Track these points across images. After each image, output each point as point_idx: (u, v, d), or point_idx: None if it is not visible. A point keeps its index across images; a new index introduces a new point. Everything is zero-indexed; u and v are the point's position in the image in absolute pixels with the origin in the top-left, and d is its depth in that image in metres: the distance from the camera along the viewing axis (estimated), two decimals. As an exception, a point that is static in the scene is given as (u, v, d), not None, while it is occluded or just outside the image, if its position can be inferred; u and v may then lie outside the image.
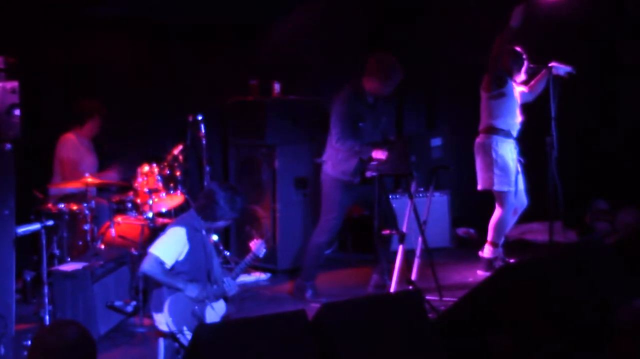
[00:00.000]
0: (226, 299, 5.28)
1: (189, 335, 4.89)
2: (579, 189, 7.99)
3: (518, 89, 7.19)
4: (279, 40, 8.29)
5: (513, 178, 7.07)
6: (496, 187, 7.08)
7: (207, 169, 7.50)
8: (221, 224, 5.34)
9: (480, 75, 7.13)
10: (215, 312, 5.15)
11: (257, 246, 5.34)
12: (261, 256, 5.37)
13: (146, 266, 5.06)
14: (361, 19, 8.72)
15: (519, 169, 7.18)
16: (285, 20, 8.33)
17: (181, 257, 5.11)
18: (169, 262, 5.06)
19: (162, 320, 4.99)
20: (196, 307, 5.05)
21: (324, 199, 6.82)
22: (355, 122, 6.54)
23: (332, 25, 8.54)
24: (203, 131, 7.42)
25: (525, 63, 7.07)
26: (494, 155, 7.04)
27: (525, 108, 7.28)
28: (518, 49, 7.08)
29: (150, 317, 5.54)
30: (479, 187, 7.19)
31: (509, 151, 7.07)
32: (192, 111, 7.44)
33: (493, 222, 7.22)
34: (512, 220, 7.31)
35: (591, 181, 8.36)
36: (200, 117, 7.40)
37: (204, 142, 7.44)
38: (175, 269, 5.10)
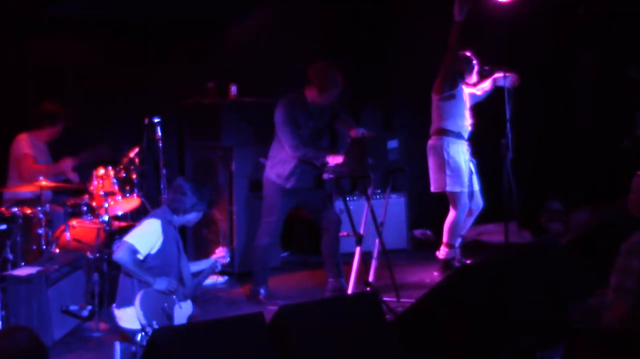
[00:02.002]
0: (193, 300, 5.34)
1: None
2: (533, 190, 8.09)
3: (467, 91, 7.27)
4: (236, 41, 8.26)
5: (466, 179, 7.15)
6: (449, 189, 7.15)
7: (164, 171, 7.44)
8: (192, 217, 5.39)
9: (434, 78, 7.19)
10: (182, 311, 5.22)
11: (221, 253, 5.38)
12: (225, 262, 5.50)
13: (119, 253, 5.09)
14: (318, 22, 8.71)
15: (473, 170, 7.25)
16: (243, 21, 8.30)
17: (154, 250, 5.17)
18: (142, 252, 5.11)
19: (131, 314, 5.03)
20: (166, 304, 5.09)
21: (264, 201, 6.86)
22: (296, 129, 6.57)
23: (290, 27, 8.52)
24: (159, 133, 7.36)
25: (476, 67, 7.14)
26: (445, 156, 7.11)
27: (480, 110, 7.35)
28: (468, 53, 7.15)
29: (107, 320, 5.52)
30: (432, 189, 7.25)
31: (460, 152, 7.14)
32: (148, 113, 7.37)
33: (448, 223, 7.27)
34: (467, 221, 7.37)
35: (545, 182, 8.46)
36: (156, 120, 7.34)
37: (160, 144, 7.38)
38: (147, 263, 5.14)
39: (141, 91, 7.88)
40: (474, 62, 7.17)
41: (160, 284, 5.10)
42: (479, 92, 7.34)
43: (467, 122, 7.22)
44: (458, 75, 7.13)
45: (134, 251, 5.08)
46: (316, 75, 6.55)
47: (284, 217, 6.87)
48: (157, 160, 7.47)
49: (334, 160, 6.43)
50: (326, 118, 6.75)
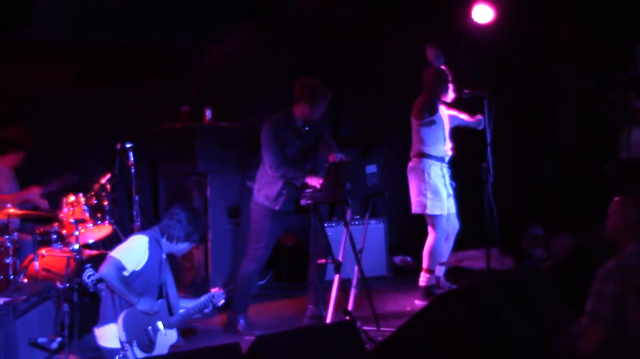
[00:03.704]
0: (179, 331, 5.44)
1: (137, 351, 5.06)
2: (514, 215, 8.13)
3: (447, 113, 7.33)
4: (210, 65, 8.28)
5: (445, 202, 7.21)
6: (428, 211, 7.21)
7: (136, 198, 7.41)
8: (184, 247, 5.48)
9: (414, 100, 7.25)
10: (166, 339, 5.30)
11: (216, 293, 5.50)
12: (218, 304, 5.56)
13: (105, 269, 5.16)
14: (293, 45, 8.76)
15: (451, 193, 7.31)
16: (217, 45, 8.33)
17: (139, 267, 5.25)
18: (129, 267, 5.19)
19: (111, 332, 5.07)
20: (150, 327, 5.11)
21: (252, 226, 6.82)
22: (281, 148, 6.56)
23: (265, 51, 8.55)
24: (132, 158, 7.34)
25: (451, 84, 7.21)
26: (426, 178, 7.18)
27: (460, 133, 7.41)
28: (442, 68, 7.22)
29: (77, 353, 5.50)
30: (413, 210, 7.31)
31: (440, 175, 7.22)
32: (121, 138, 7.35)
33: (427, 248, 7.32)
34: (446, 245, 7.40)
35: (527, 207, 8.51)
36: (128, 145, 7.32)
37: (132, 170, 7.35)
38: (128, 280, 5.20)
39: (113, 116, 7.87)
40: (449, 78, 7.23)
41: (144, 304, 5.17)
42: (464, 117, 7.40)
43: (447, 147, 7.30)
44: (437, 100, 7.20)
45: (121, 268, 5.17)
46: (305, 89, 6.61)
47: (273, 243, 6.84)
48: (130, 186, 7.44)
49: (314, 182, 6.44)
50: (312, 138, 6.77)
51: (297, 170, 6.55)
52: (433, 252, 7.28)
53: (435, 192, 7.18)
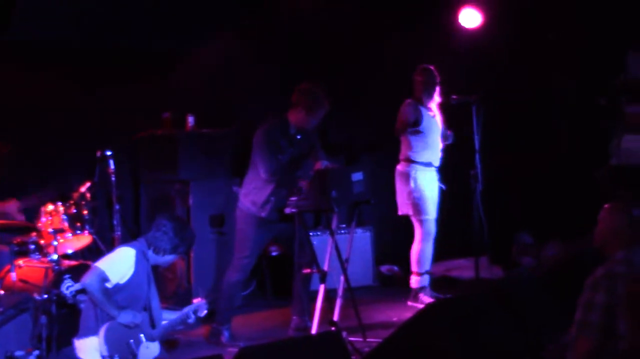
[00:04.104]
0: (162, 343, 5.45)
1: None
2: (504, 223, 8.13)
3: (438, 117, 7.36)
4: (193, 70, 8.25)
5: (431, 206, 7.33)
6: (414, 215, 7.35)
7: (117, 207, 7.38)
8: (170, 259, 5.49)
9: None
10: (149, 352, 5.30)
11: (199, 304, 5.51)
12: (201, 315, 5.58)
13: (88, 279, 5.18)
14: (278, 50, 8.76)
15: (436, 199, 7.41)
16: (199, 50, 8.31)
17: (123, 281, 5.26)
18: (112, 280, 5.20)
19: (91, 344, 5.09)
20: (132, 340, 5.10)
21: (237, 235, 6.78)
22: (275, 154, 6.54)
23: (249, 55, 8.54)
24: (112, 166, 7.30)
25: (437, 87, 7.23)
26: (412, 184, 7.30)
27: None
28: (431, 68, 7.23)
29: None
30: (399, 212, 7.43)
31: (428, 180, 7.33)
32: (101, 145, 7.32)
33: (414, 253, 7.44)
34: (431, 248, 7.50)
35: (516, 215, 8.52)
36: (109, 152, 7.28)
37: (113, 178, 7.31)
38: (114, 292, 5.21)
39: (93, 122, 7.83)
40: (436, 80, 7.24)
41: (125, 317, 5.18)
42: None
43: (436, 153, 7.36)
44: (418, 109, 7.24)
45: (104, 279, 5.18)
46: (303, 95, 6.55)
47: (259, 252, 6.82)
48: (110, 195, 7.41)
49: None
50: (304, 146, 6.74)
51: (291, 177, 6.53)
52: (420, 256, 7.39)
53: (420, 199, 7.31)
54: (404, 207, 7.39)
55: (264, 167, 6.50)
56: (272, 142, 6.52)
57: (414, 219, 7.38)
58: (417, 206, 7.30)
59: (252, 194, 6.64)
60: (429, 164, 7.35)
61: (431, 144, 7.36)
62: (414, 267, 7.45)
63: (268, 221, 6.64)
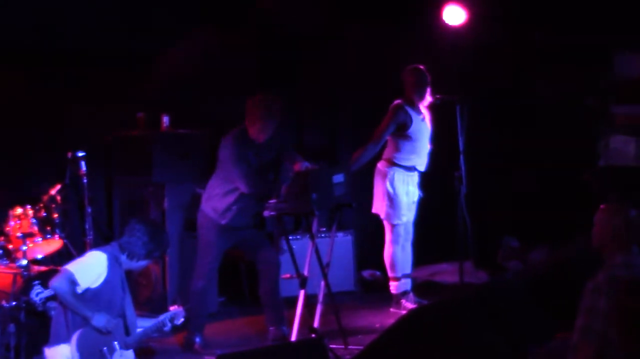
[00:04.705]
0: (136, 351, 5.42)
1: None
2: (489, 227, 8.16)
3: (428, 118, 7.36)
4: (168, 69, 8.22)
5: (405, 211, 7.36)
6: (385, 218, 7.40)
7: (89, 210, 7.34)
8: (144, 264, 5.50)
9: (383, 109, 7.26)
10: None
11: (176, 311, 5.50)
12: (178, 323, 5.56)
13: (57, 282, 5.13)
14: (255, 48, 8.75)
15: (414, 201, 7.45)
16: (174, 48, 8.28)
17: (95, 285, 5.21)
18: (82, 284, 5.16)
19: (63, 352, 5.06)
20: (105, 348, 5.07)
21: (199, 239, 6.79)
22: (246, 165, 6.55)
23: (225, 54, 8.52)
24: (84, 168, 7.26)
25: (429, 88, 7.24)
26: (389, 187, 7.32)
27: (432, 141, 7.44)
28: (421, 67, 7.24)
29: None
30: (372, 210, 7.48)
31: (405, 184, 7.35)
32: (72, 146, 7.28)
33: (387, 258, 7.50)
34: (405, 252, 7.51)
35: (501, 218, 8.54)
36: (80, 154, 7.25)
37: (84, 180, 7.28)
38: (86, 298, 5.16)
39: (64, 123, 7.78)
40: (427, 80, 7.25)
41: (99, 320, 5.14)
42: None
43: (423, 158, 7.38)
44: (408, 111, 7.23)
45: (73, 282, 5.13)
46: (254, 109, 6.58)
47: (221, 257, 6.81)
48: (82, 198, 7.37)
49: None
50: (273, 151, 6.74)
51: (267, 183, 6.53)
52: (393, 260, 7.46)
53: (395, 203, 7.34)
54: (377, 207, 7.45)
55: (242, 183, 6.51)
56: (242, 156, 6.54)
57: (384, 222, 7.43)
58: (390, 208, 7.34)
59: (214, 200, 6.65)
60: (411, 169, 7.36)
61: (418, 149, 7.37)
62: (389, 272, 7.51)
63: (230, 227, 6.64)
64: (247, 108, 6.61)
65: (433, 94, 7.26)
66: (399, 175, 7.32)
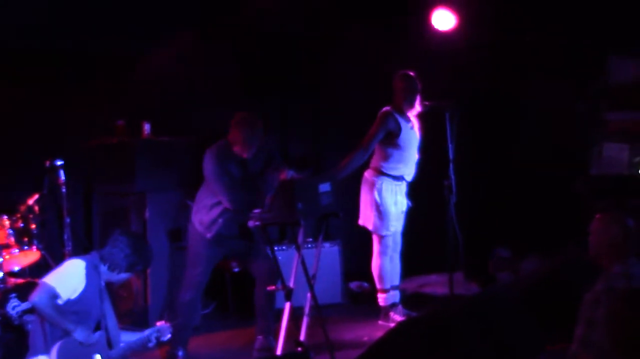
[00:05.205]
0: None
1: None
2: (479, 237, 8.17)
3: (417, 126, 7.37)
4: (149, 75, 8.21)
5: (393, 222, 7.37)
6: (373, 229, 7.41)
7: (68, 220, 7.31)
8: (125, 276, 5.48)
9: (370, 117, 7.27)
10: None
11: (162, 327, 5.52)
12: (164, 339, 5.58)
13: (36, 297, 5.11)
14: (239, 55, 8.74)
15: (403, 210, 7.46)
16: (155, 54, 8.27)
17: (74, 295, 5.21)
18: (63, 296, 5.16)
19: None
20: None
21: (189, 250, 6.83)
22: (230, 180, 6.58)
23: (208, 60, 8.52)
24: (62, 177, 7.24)
25: (418, 96, 7.25)
26: (377, 197, 7.34)
27: (421, 149, 7.45)
28: (411, 74, 7.25)
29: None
30: (359, 222, 7.48)
31: (393, 193, 7.35)
32: (50, 154, 7.25)
33: (375, 270, 7.52)
34: (393, 263, 7.53)
35: (492, 228, 8.56)
36: (59, 162, 7.22)
37: (63, 190, 7.25)
38: (64, 309, 5.16)
39: (42, 130, 7.75)
40: (417, 87, 7.26)
41: (80, 334, 5.15)
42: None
43: (410, 167, 7.39)
44: (396, 119, 7.24)
45: (54, 295, 5.14)
46: (234, 127, 6.63)
47: (211, 268, 6.82)
48: (60, 208, 7.34)
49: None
50: (260, 161, 6.78)
51: (252, 195, 6.54)
52: (381, 272, 7.47)
53: (383, 213, 7.34)
54: (364, 218, 7.45)
55: (224, 198, 6.56)
56: (223, 170, 6.58)
57: (372, 233, 7.44)
58: (378, 219, 7.35)
59: (201, 213, 6.71)
60: (399, 178, 7.36)
61: (406, 159, 7.37)
62: (377, 284, 7.53)
63: (219, 238, 6.67)
64: (231, 126, 6.67)
65: (422, 100, 7.26)
66: (387, 185, 7.33)
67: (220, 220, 6.64)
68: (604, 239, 4.44)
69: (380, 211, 7.33)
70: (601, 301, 4.16)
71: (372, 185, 7.34)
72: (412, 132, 7.38)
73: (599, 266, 4.43)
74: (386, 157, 7.33)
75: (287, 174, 6.56)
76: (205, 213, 6.67)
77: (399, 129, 7.26)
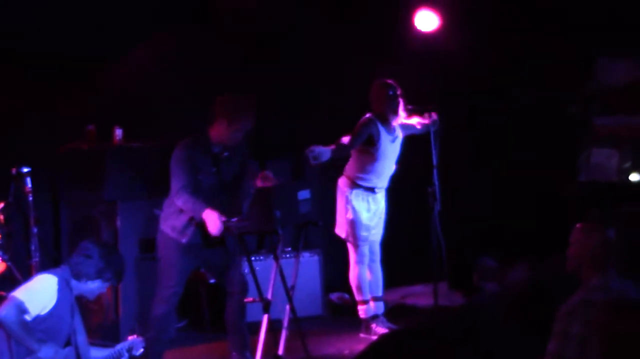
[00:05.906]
0: None
1: None
2: (464, 246, 8.19)
3: (400, 139, 7.36)
4: (120, 79, 8.19)
5: (365, 231, 7.37)
6: (345, 237, 7.45)
7: (35, 230, 7.26)
8: (95, 286, 5.42)
9: (353, 119, 7.27)
10: None
11: (134, 341, 5.50)
12: (136, 354, 5.54)
13: (4, 311, 5.07)
14: (216, 57, 8.74)
15: (382, 218, 7.47)
16: (127, 57, 8.26)
17: (44, 312, 5.18)
18: (32, 312, 5.12)
19: None
20: None
21: (160, 263, 6.71)
22: (191, 174, 6.47)
23: (182, 65, 8.51)
24: (29, 185, 7.20)
25: (401, 102, 7.24)
26: (348, 207, 7.35)
27: (403, 154, 7.45)
28: (389, 81, 7.26)
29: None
30: (335, 230, 7.51)
31: (366, 201, 7.35)
32: (16, 161, 7.21)
33: (352, 281, 7.51)
34: (374, 273, 7.53)
35: (477, 236, 8.58)
36: (25, 169, 7.18)
37: (30, 198, 7.21)
38: (32, 326, 5.12)
39: (7, 136, 7.72)
40: (397, 93, 7.25)
41: (46, 353, 5.11)
42: (414, 122, 7.42)
43: (384, 180, 7.38)
44: (380, 131, 7.24)
45: (23, 311, 5.09)
46: (225, 106, 6.49)
47: (185, 280, 6.75)
48: (27, 217, 7.29)
49: (210, 218, 6.29)
50: (235, 165, 6.66)
51: (198, 201, 6.40)
52: (359, 283, 7.47)
53: (355, 222, 7.35)
54: (339, 226, 7.48)
55: (172, 186, 6.44)
56: (189, 161, 6.45)
57: (347, 242, 7.47)
58: (350, 229, 7.37)
59: (171, 218, 6.58)
60: (370, 189, 7.35)
61: (381, 171, 7.34)
62: (356, 295, 7.50)
63: (192, 246, 6.58)
64: (216, 106, 6.51)
65: (406, 105, 7.26)
66: (358, 194, 7.31)
67: (194, 222, 6.49)
68: (584, 251, 4.44)
69: (352, 220, 7.34)
70: (576, 314, 4.16)
71: (343, 193, 7.36)
72: (391, 145, 7.31)
73: (577, 278, 4.44)
74: (360, 168, 7.31)
75: (265, 173, 6.55)
76: (176, 218, 6.54)
77: (377, 137, 7.22)
